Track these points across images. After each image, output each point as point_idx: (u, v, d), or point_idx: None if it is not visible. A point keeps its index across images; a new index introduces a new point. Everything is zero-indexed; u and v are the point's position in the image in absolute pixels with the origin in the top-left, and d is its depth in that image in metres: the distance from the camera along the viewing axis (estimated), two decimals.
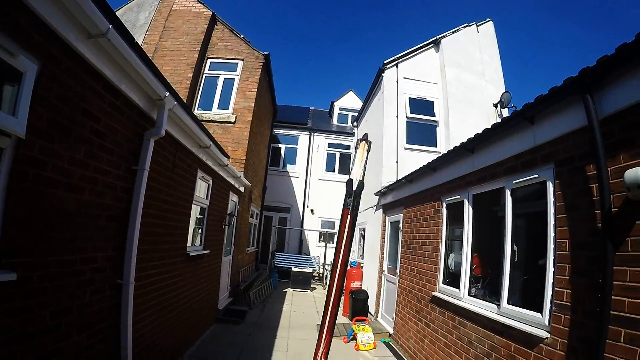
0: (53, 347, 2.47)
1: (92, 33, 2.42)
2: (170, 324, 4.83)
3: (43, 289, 2.33)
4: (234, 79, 10.21)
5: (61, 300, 2.53)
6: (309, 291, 12.64)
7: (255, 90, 10.08)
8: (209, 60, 10.34)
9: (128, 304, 3.33)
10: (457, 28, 10.90)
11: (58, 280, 2.48)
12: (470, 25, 11.06)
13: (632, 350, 2.23)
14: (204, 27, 10.27)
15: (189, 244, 5.48)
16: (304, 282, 12.93)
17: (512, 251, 3.90)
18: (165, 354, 4.69)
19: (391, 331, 7.44)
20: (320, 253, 15.34)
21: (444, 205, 5.66)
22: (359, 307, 8.47)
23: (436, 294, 5.40)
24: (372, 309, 9.06)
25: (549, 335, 3.03)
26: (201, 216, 6.40)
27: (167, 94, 3.55)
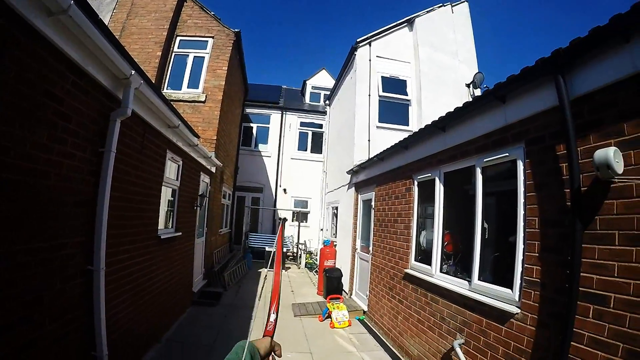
0: (28, 338, 2.40)
1: (53, 10, 2.28)
2: (146, 309, 4.75)
3: (12, 279, 2.23)
4: (204, 57, 9.83)
5: (32, 290, 2.44)
6: (283, 270, 12.71)
7: (226, 68, 9.77)
8: (178, 38, 9.88)
9: (100, 290, 3.25)
10: (431, 8, 10.92)
11: (27, 270, 2.37)
12: (445, 5, 11.09)
13: (600, 326, 2.35)
14: (173, 4, 9.75)
15: (160, 226, 5.35)
16: None
17: (483, 229, 4.01)
18: (141, 339, 4.62)
19: (365, 308, 7.60)
20: (293, 232, 15.37)
21: (416, 183, 5.74)
22: (333, 285, 8.58)
23: (409, 271, 5.52)
24: (346, 287, 9.21)
25: (519, 310, 3.15)
26: (172, 198, 6.24)
27: (133, 72, 3.41)
